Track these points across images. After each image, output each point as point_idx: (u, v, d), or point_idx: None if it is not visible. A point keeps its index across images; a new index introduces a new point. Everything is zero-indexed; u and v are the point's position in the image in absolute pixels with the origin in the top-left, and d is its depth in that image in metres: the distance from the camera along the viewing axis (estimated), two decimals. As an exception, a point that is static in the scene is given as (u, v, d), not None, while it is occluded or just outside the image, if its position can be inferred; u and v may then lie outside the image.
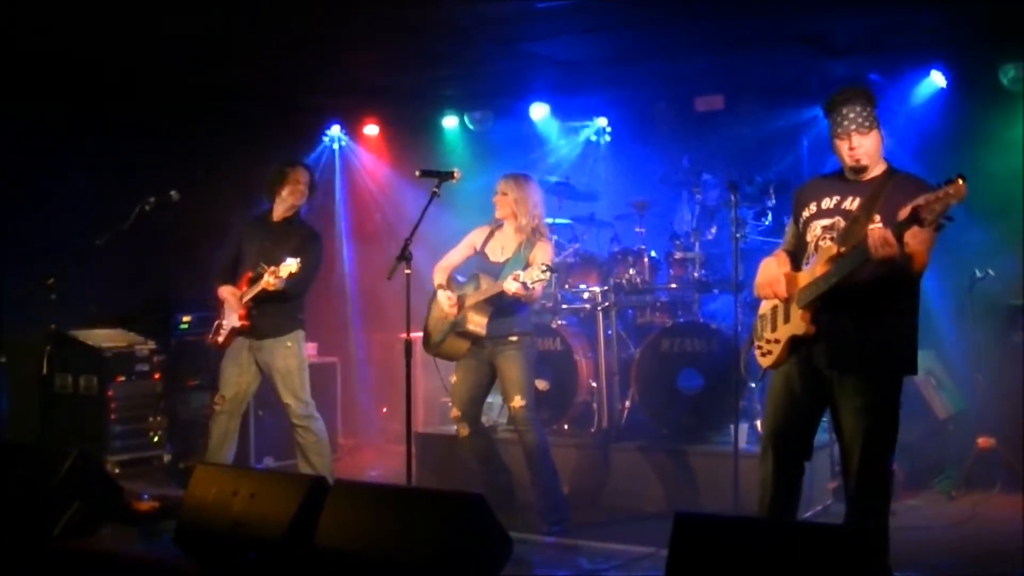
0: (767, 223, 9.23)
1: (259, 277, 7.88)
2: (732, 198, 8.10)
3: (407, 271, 7.01)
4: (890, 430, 5.69)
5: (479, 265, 7.97)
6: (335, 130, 12.87)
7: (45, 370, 9.40)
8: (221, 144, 11.02)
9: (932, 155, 9.46)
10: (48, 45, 9.28)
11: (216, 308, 8.46)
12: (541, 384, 8.73)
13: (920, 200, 5.04)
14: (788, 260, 6.00)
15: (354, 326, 12.63)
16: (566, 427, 9.22)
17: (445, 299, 7.89)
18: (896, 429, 5.69)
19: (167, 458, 10.31)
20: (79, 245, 8.81)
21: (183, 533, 6.23)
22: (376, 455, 11.10)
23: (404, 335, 7.17)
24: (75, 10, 8.34)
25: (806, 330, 5.69)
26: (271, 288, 7.82)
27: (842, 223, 5.72)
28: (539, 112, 11.77)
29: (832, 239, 5.69)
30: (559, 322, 9.40)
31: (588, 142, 11.91)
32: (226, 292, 8.27)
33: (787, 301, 5.83)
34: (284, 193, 8.30)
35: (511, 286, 7.26)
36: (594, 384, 9.20)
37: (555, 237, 8.74)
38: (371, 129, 12.75)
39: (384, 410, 11.82)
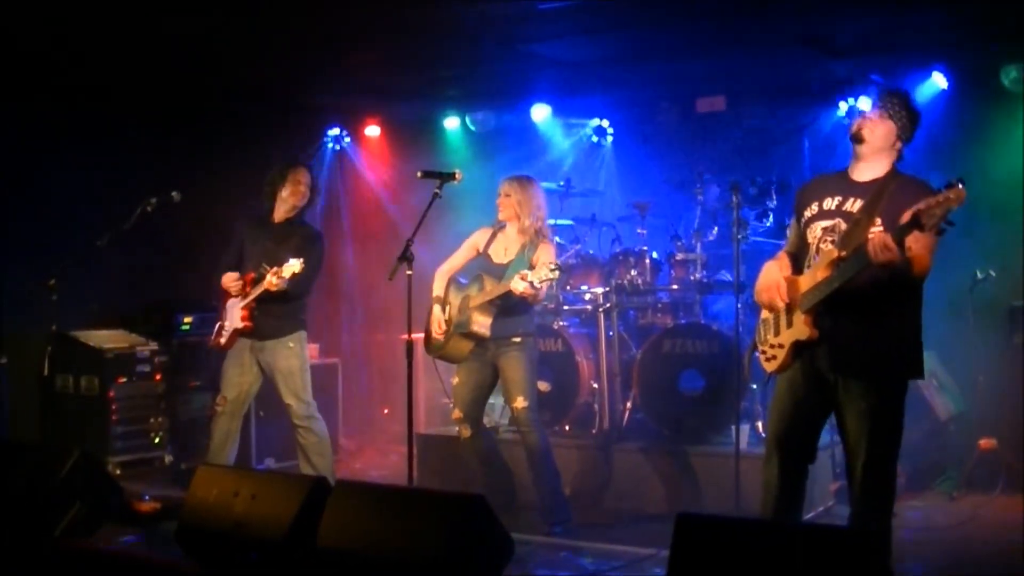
0: (768, 224, 9.23)
1: (262, 278, 7.88)
2: (734, 199, 8.10)
3: (408, 272, 7.01)
4: (894, 433, 5.70)
5: (482, 267, 7.98)
6: (336, 131, 12.87)
7: (46, 371, 9.41)
8: (222, 145, 11.02)
9: (933, 156, 9.42)
10: (49, 45, 9.28)
11: (218, 309, 8.46)
12: (543, 385, 8.73)
13: (921, 204, 5.04)
14: (789, 263, 5.98)
15: (356, 327, 12.64)
16: (568, 428, 9.23)
17: (436, 318, 7.99)
18: (900, 432, 5.69)
19: (168, 459, 10.32)
20: (80, 246, 8.83)
21: (184, 534, 6.22)
22: (377, 456, 11.11)
23: (405, 336, 7.17)
24: (77, 9, 8.34)
25: (810, 335, 5.67)
26: (274, 288, 7.82)
27: (843, 225, 5.72)
28: (540, 113, 11.77)
29: (833, 241, 5.70)
30: (560, 323, 9.41)
31: (589, 143, 11.91)
32: (228, 279, 8.25)
33: (789, 306, 5.82)
34: (285, 194, 8.30)
35: (519, 285, 7.27)
36: (595, 385, 9.20)
37: (557, 238, 8.73)
38: (372, 130, 12.75)
39: (385, 411, 11.83)
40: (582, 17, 9.01)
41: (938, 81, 9.87)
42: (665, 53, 10.07)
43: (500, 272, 7.77)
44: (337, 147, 12.96)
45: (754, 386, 8.81)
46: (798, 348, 5.78)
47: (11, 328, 9.74)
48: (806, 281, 5.73)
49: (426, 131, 12.49)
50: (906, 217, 5.11)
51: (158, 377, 10.37)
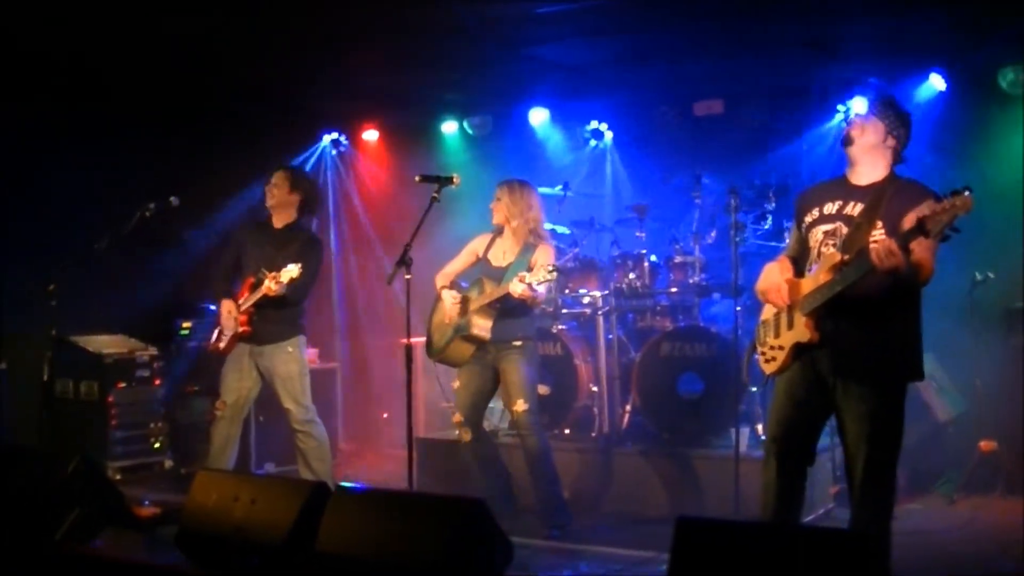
0: (767, 227, 9.24)
1: (260, 283, 7.90)
2: (732, 202, 8.10)
3: (407, 276, 7.02)
4: (894, 436, 5.71)
5: (483, 271, 8.02)
6: (335, 135, 12.87)
7: (46, 376, 9.37)
8: (222, 148, 11.03)
9: (931, 159, 9.45)
10: (48, 46, 9.28)
11: (217, 315, 8.48)
12: (542, 389, 8.72)
13: (926, 210, 5.08)
14: (791, 266, 6.01)
15: (355, 331, 12.63)
16: (567, 431, 9.23)
17: (449, 298, 7.95)
18: (900, 435, 5.71)
19: (168, 464, 10.33)
20: (80, 250, 8.82)
21: (184, 538, 6.22)
22: (377, 460, 11.10)
23: (405, 340, 7.18)
24: (76, 11, 8.34)
25: (810, 337, 5.70)
26: (272, 294, 7.83)
27: (844, 229, 5.75)
28: (538, 117, 11.77)
29: (835, 245, 5.73)
30: (559, 327, 9.40)
31: (588, 147, 11.90)
32: (224, 311, 8.29)
33: (790, 308, 5.85)
34: (265, 200, 8.35)
35: (517, 288, 7.30)
36: (595, 388, 9.20)
37: (554, 243, 8.73)
38: (370, 134, 12.76)
39: (385, 415, 11.82)
40: (580, 20, 9.01)
41: (936, 83, 9.88)
42: (663, 56, 10.07)
43: (499, 275, 7.79)
44: (335, 151, 12.97)
45: (753, 389, 8.81)
46: (798, 350, 5.81)
47: (10, 332, 9.75)
48: (808, 284, 5.76)
49: (424, 135, 12.48)
50: (910, 222, 5.17)
51: (157, 382, 10.38)
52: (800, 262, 6.01)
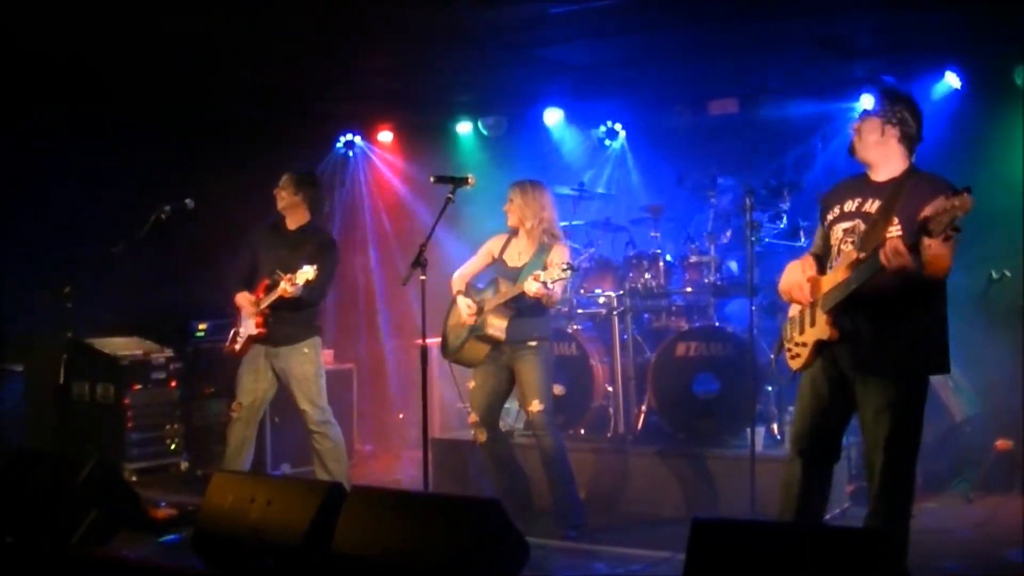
0: (782, 226, 9.22)
1: (276, 284, 7.91)
2: (747, 201, 8.09)
3: (422, 277, 7.03)
4: (913, 430, 5.73)
5: (498, 271, 8.01)
6: (349, 137, 12.88)
7: (62, 378, 9.41)
8: (236, 151, 11.03)
9: (948, 156, 9.41)
10: (67, 52, 9.31)
11: (233, 316, 8.49)
12: (557, 389, 8.71)
13: (928, 211, 5.11)
14: (814, 263, 6.04)
15: (370, 332, 12.63)
16: (582, 432, 9.22)
17: (464, 306, 7.93)
18: (919, 429, 5.74)
19: (184, 465, 10.34)
20: (95, 253, 8.85)
21: (201, 540, 6.24)
22: (393, 461, 11.10)
23: (420, 341, 7.18)
24: (92, 15, 8.36)
25: (830, 334, 5.74)
26: (288, 295, 7.85)
27: (862, 226, 5.79)
28: (553, 117, 11.76)
29: (853, 242, 5.76)
30: (575, 327, 9.39)
31: (602, 146, 11.89)
32: (242, 299, 8.32)
33: (813, 305, 5.89)
34: (277, 204, 8.41)
35: (531, 286, 7.30)
36: (610, 388, 9.19)
37: (569, 243, 8.72)
38: (385, 135, 12.76)
39: (401, 416, 11.82)
40: (594, 20, 9.00)
41: (951, 81, 9.84)
42: (677, 55, 10.05)
43: (515, 275, 7.79)
44: (350, 153, 12.98)
45: (769, 388, 8.80)
46: (820, 347, 5.85)
47: (27, 336, 9.77)
48: (828, 281, 5.81)
49: (439, 136, 12.48)
50: (934, 208, 5.12)
51: (173, 384, 10.39)
52: (824, 259, 6.05)
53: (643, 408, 9.17)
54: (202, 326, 10.74)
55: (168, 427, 10.30)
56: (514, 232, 8.07)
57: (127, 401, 9.98)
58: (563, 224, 8.49)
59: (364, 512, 5.57)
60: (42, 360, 9.67)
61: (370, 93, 11.45)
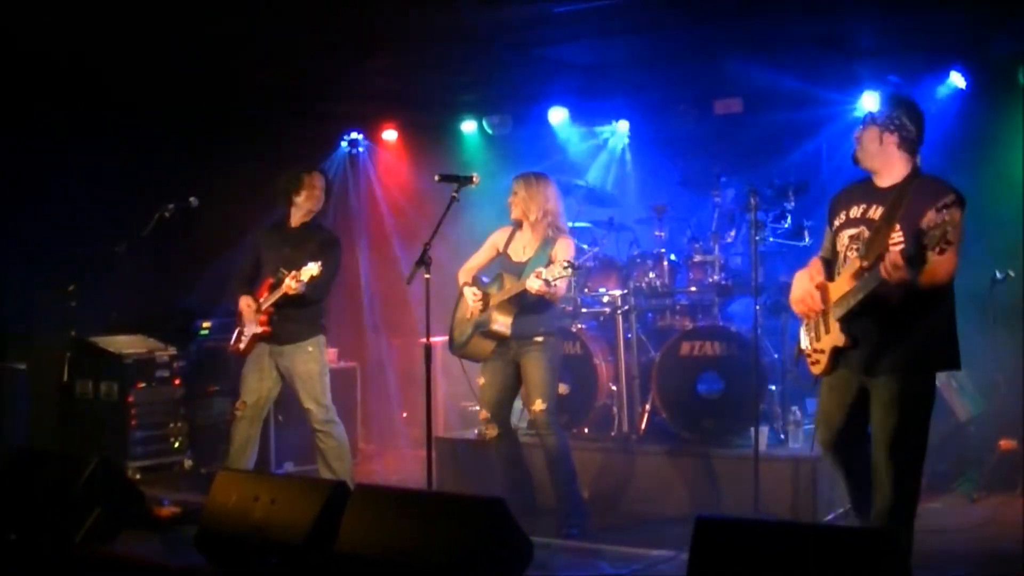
0: (786, 226, 9.21)
1: (280, 282, 7.92)
2: (752, 201, 8.08)
3: (426, 276, 7.02)
4: (920, 427, 5.81)
5: (503, 265, 7.98)
6: (354, 135, 12.89)
7: (66, 377, 9.43)
8: (241, 150, 11.05)
9: (952, 156, 9.42)
10: (67, 51, 9.31)
11: (237, 315, 8.49)
12: (561, 388, 8.70)
13: (923, 224, 5.21)
14: (822, 269, 6.17)
15: (374, 331, 12.63)
16: (586, 431, 9.21)
17: (471, 294, 7.91)
18: (926, 427, 5.81)
19: (188, 464, 10.34)
20: (99, 252, 8.85)
21: (204, 538, 6.24)
22: (396, 460, 11.10)
23: (424, 340, 7.18)
24: (97, 14, 8.37)
25: (844, 342, 5.85)
26: (292, 293, 7.86)
27: (867, 233, 5.86)
28: (558, 116, 11.75)
29: (857, 249, 5.85)
30: (579, 326, 9.39)
31: (607, 146, 11.89)
32: (244, 305, 8.32)
33: (825, 312, 6.00)
34: (300, 199, 8.34)
35: (533, 284, 7.27)
36: (614, 388, 9.19)
37: (574, 241, 8.70)
38: (390, 134, 12.76)
39: (404, 415, 11.82)
40: (599, 20, 9.01)
41: (956, 81, 9.84)
42: (682, 54, 10.06)
43: (519, 270, 7.76)
44: (355, 151, 12.98)
45: (773, 387, 8.80)
46: (836, 353, 5.96)
47: (31, 334, 9.79)
48: (836, 289, 5.93)
49: (443, 135, 12.47)
50: (926, 221, 5.21)
51: (177, 382, 10.38)
52: (833, 263, 6.15)
53: (647, 407, 9.16)
54: (206, 324, 10.74)
55: (172, 425, 10.30)
56: (519, 225, 8.04)
57: (131, 399, 9.97)
58: (568, 225, 8.45)
59: (368, 511, 5.57)
60: (46, 358, 9.69)
61: (374, 92, 11.46)
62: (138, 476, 9.75)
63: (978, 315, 8.72)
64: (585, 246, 9.41)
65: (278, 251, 8.27)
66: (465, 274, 8.10)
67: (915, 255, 5.30)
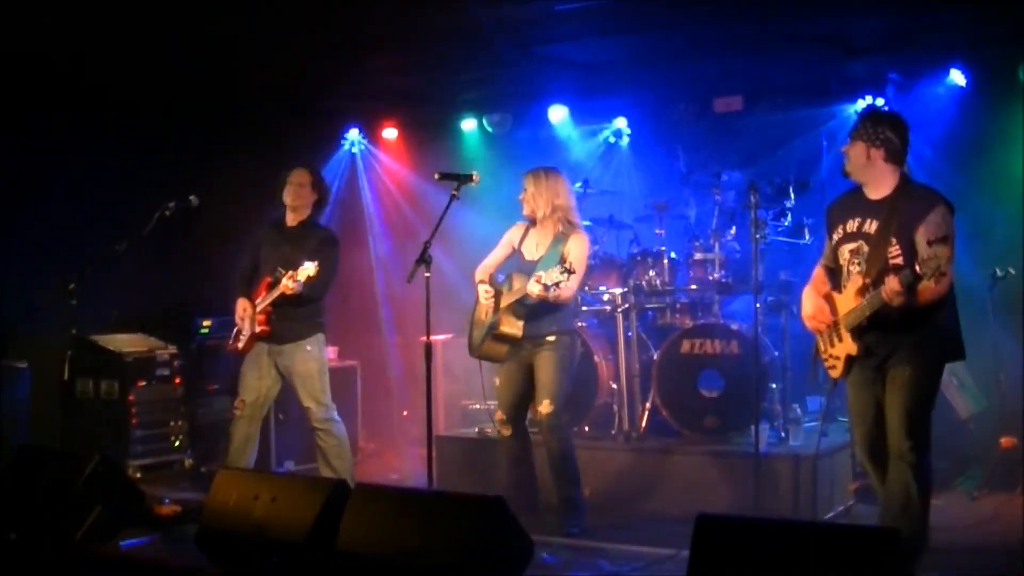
0: (787, 224, 9.22)
1: (277, 282, 7.93)
2: (752, 199, 8.08)
3: (427, 274, 7.02)
4: (925, 399, 6.19)
5: (516, 263, 7.91)
6: (354, 133, 12.88)
7: (66, 375, 9.41)
8: (241, 149, 11.04)
9: (953, 154, 9.45)
10: (68, 52, 9.31)
11: (235, 315, 8.50)
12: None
13: (923, 256, 5.68)
14: (827, 279, 6.55)
15: (374, 329, 12.62)
16: (587, 429, 9.21)
17: (483, 292, 7.87)
18: (931, 402, 6.24)
19: (188, 462, 10.34)
20: (99, 251, 8.84)
21: (205, 537, 6.23)
22: (397, 458, 11.10)
23: (424, 338, 7.17)
24: (97, 14, 8.36)
25: (856, 350, 6.19)
26: (290, 292, 7.86)
27: (865, 247, 6.19)
28: (558, 114, 11.75)
29: (859, 264, 6.20)
30: (579, 324, 9.38)
31: (607, 144, 11.88)
32: (240, 309, 8.35)
33: (836, 323, 6.32)
34: (287, 198, 8.36)
35: (533, 288, 7.23)
36: (614, 386, 9.19)
37: (588, 237, 8.62)
38: (390, 132, 12.75)
39: (405, 413, 11.81)
40: (599, 19, 9.01)
41: (956, 79, 9.84)
42: (682, 53, 10.06)
43: (531, 269, 7.63)
44: (355, 150, 12.97)
45: (773, 385, 8.80)
46: (850, 360, 6.28)
47: (31, 333, 9.77)
48: (843, 302, 6.27)
49: (443, 133, 12.47)
50: (925, 255, 5.68)
51: (177, 381, 10.39)
52: (837, 273, 6.48)
53: (647, 405, 9.16)
54: (206, 323, 10.74)
55: (172, 424, 10.30)
56: (533, 221, 7.96)
57: (131, 398, 9.98)
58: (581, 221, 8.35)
59: (368, 509, 5.56)
60: (46, 357, 9.68)
61: (375, 90, 11.46)
62: (138, 475, 9.75)
63: (979, 313, 8.73)
64: (596, 247, 9.42)
65: (277, 250, 8.28)
66: (482, 271, 8.05)
67: (913, 283, 5.67)
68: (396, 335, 12.29)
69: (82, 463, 6.84)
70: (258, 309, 8.22)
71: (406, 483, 9.55)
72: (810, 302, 6.52)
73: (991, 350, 8.97)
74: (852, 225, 6.31)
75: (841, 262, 6.37)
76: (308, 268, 7.79)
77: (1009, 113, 9.50)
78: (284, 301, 8.04)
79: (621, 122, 11.74)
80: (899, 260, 5.94)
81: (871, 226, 6.18)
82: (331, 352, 10.73)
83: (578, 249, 7.64)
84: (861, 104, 10.00)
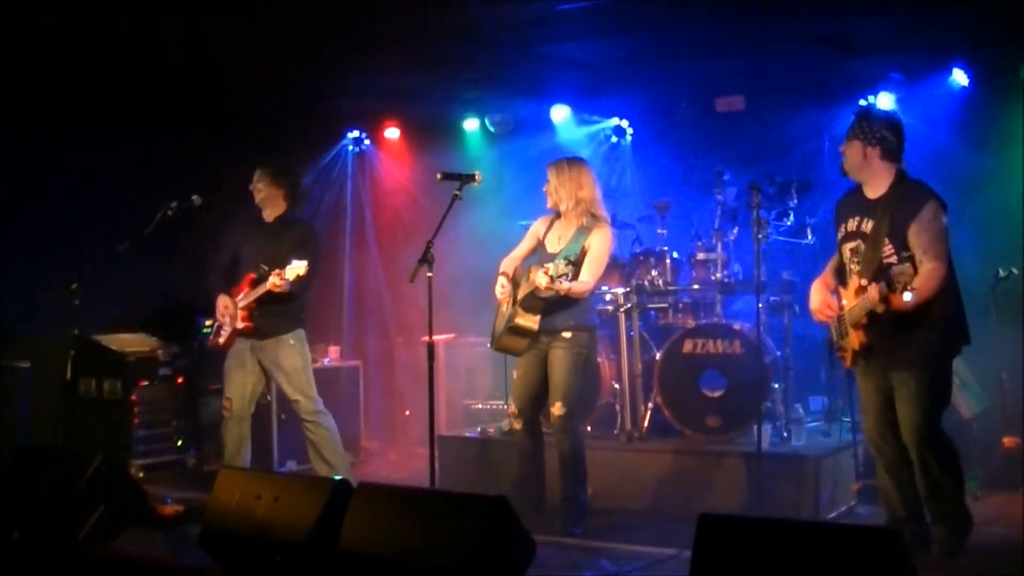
0: (789, 223, 9.22)
1: (263, 279, 8.00)
2: (754, 199, 8.08)
3: (429, 274, 7.03)
4: (939, 398, 6.42)
5: (539, 256, 7.78)
6: (356, 133, 12.88)
7: (69, 375, 9.41)
8: (243, 149, 11.00)
9: (955, 153, 9.44)
10: (70, 51, 9.31)
11: (215, 311, 8.57)
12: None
13: (893, 271, 5.81)
14: (833, 278, 6.74)
15: (377, 329, 12.62)
16: (589, 429, 9.18)
17: (499, 285, 7.80)
18: (947, 397, 6.54)
19: (191, 462, 10.34)
20: (101, 250, 8.85)
21: (207, 537, 6.24)
22: (399, 458, 11.10)
23: (427, 338, 7.17)
24: (93, 12, 8.36)
25: (860, 345, 6.35)
26: (277, 290, 7.92)
27: (863, 247, 6.38)
28: (560, 114, 11.75)
29: (857, 262, 6.39)
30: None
31: (609, 143, 11.88)
32: (221, 305, 8.44)
33: (842, 317, 6.48)
34: (257, 198, 8.57)
35: (541, 280, 7.10)
36: (617, 386, 9.18)
37: (612, 231, 8.48)
38: (392, 132, 12.75)
39: (407, 413, 11.81)
40: (601, 18, 9.00)
41: (959, 78, 9.84)
42: (684, 53, 10.05)
43: (551, 261, 7.38)
44: (357, 149, 12.97)
45: (776, 385, 8.79)
46: (855, 355, 6.45)
47: (34, 333, 9.77)
48: (847, 298, 6.44)
49: (445, 133, 12.46)
50: (894, 269, 5.85)
51: (180, 380, 10.39)
52: (843, 269, 6.67)
53: (650, 405, 9.15)
54: (208, 322, 10.63)
55: (175, 423, 10.31)
56: (558, 214, 7.86)
57: (134, 397, 9.99)
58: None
59: (370, 509, 5.57)
60: (49, 357, 9.68)
61: (377, 90, 11.44)
62: (141, 474, 9.76)
63: (981, 313, 8.71)
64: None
65: (257, 247, 8.40)
66: (509, 263, 7.95)
67: (887, 295, 5.92)
68: (398, 335, 12.28)
69: (84, 463, 6.86)
70: (241, 305, 8.28)
71: (408, 483, 9.54)
72: (817, 296, 6.69)
73: (993, 350, 8.96)
74: (852, 224, 6.46)
75: (844, 260, 6.55)
76: (298, 267, 7.87)
77: (1012, 112, 9.49)
78: (269, 298, 8.09)
79: (623, 122, 11.74)
80: (893, 260, 6.04)
81: (867, 225, 6.34)
82: (333, 352, 10.79)
83: (599, 243, 7.55)
84: (863, 103, 10.00)
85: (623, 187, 11.30)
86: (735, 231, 9.30)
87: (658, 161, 11.34)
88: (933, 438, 6.34)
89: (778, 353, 8.96)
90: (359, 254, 12.71)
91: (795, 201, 9.19)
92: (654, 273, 9.33)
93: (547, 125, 11.85)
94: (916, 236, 6.13)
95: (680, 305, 9.51)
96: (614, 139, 11.85)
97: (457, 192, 7.28)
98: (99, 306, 9.44)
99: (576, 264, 7.15)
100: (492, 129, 12.28)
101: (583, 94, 11.46)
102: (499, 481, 8.11)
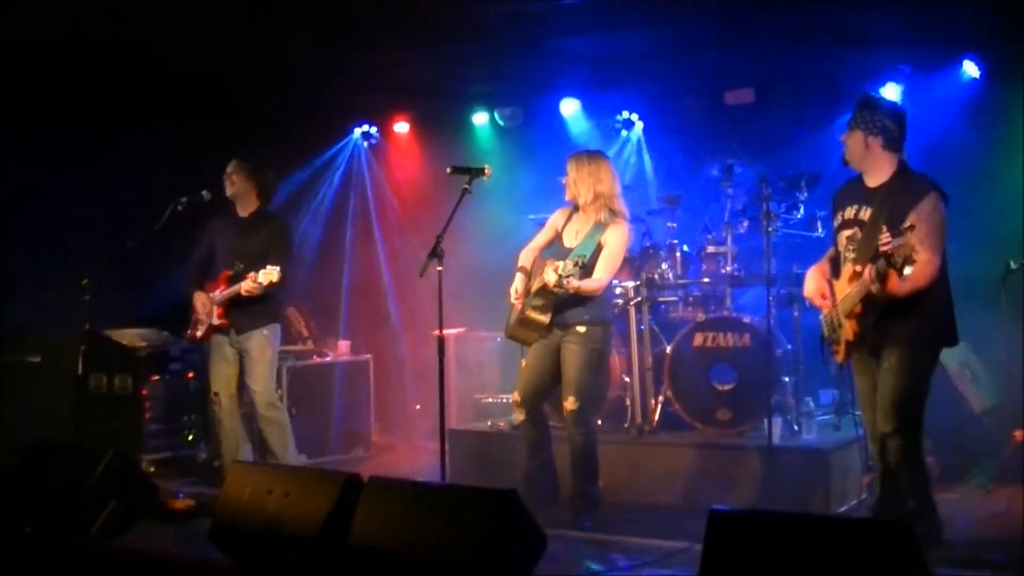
0: (799, 216, 9.20)
1: (238, 277, 8.08)
2: (764, 192, 8.07)
3: (439, 268, 7.03)
4: (916, 396, 6.30)
5: (555, 250, 7.73)
6: (366, 128, 12.88)
7: (80, 370, 9.44)
8: (251, 144, 11.02)
9: (965, 145, 9.42)
10: (77, 49, 9.31)
11: (191, 307, 8.79)
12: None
13: (889, 247, 5.74)
14: (828, 267, 6.68)
15: (387, 323, 12.63)
16: (599, 422, 9.18)
17: (513, 290, 7.74)
18: (923, 398, 6.32)
19: (202, 456, 10.34)
20: (112, 246, 8.87)
21: (218, 531, 6.25)
22: (410, 452, 11.10)
23: (437, 332, 7.17)
24: (94, 12, 8.38)
25: (853, 335, 6.29)
26: (252, 293, 7.99)
27: (859, 234, 6.32)
28: (569, 108, 11.75)
29: (853, 250, 6.33)
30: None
31: (618, 137, 11.87)
32: (197, 302, 8.63)
33: (835, 308, 6.43)
34: (226, 190, 8.69)
35: (550, 277, 7.03)
36: (627, 379, 9.18)
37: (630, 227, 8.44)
38: (401, 126, 12.77)
39: (418, 407, 11.82)
40: (610, 12, 8.99)
41: (970, 70, 9.82)
42: (693, 47, 10.04)
43: (567, 255, 7.38)
44: (367, 144, 12.98)
45: (786, 379, 8.79)
46: (849, 347, 6.39)
47: (45, 328, 9.79)
48: (839, 288, 6.43)
49: (455, 127, 12.47)
50: (892, 243, 5.76)
51: (191, 375, 10.39)
52: (837, 259, 6.64)
53: (660, 399, 9.15)
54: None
55: (186, 418, 10.31)
56: (577, 207, 7.77)
57: (145, 392, 9.99)
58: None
59: (381, 503, 5.57)
60: (60, 352, 9.70)
61: (386, 84, 11.44)
62: (152, 469, 9.75)
63: (992, 306, 8.70)
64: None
65: (231, 242, 8.57)
66: (526, 255, 7.89)
67: (884, 272, 5.79)
68: (409, 329, 12.30)
69: (96, 458, 6.87)
70: (216, 302, 8.38)
71: (419, 477, 9.54)
72: (812, 281, 6.68)
73: (1004, 343, 8.95)
74: (850, 212, 6.44)
75: (840, 248, 6.53)
76: (271, 273, 7.97)
77: (1022, 104, 9.47)
78: (243, 299, 8.23)
79: (632, 115, 11.72)
80: (889, 247, 5.89)
81: (865, 213, 6.31)
82: (344, 346, 10.80)
83: (615, 240, 7.50)
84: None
85: (633, 180, 11.28)
86: (745, 224, 9.29)
87: (668, 154, 11.34)
88: (902, 416, 6.21)
89: (788, 346, 8.95)
90: (368, 248, 12.71)
91: (805, 194, 9.17)
92: (664, 266, 9.32)
93: (557, 119, 11.85)
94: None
95: (690, 299, 9.51)
96: (624, 133, 11.82)
97: (467, 186, 7.28)
98: (110, 301, 9.47)
99: (586, 266, 7.13)
100: (502, 123, 12.27)
101: (592, 88, 11.46)
102: (509, 475, 8.11)
